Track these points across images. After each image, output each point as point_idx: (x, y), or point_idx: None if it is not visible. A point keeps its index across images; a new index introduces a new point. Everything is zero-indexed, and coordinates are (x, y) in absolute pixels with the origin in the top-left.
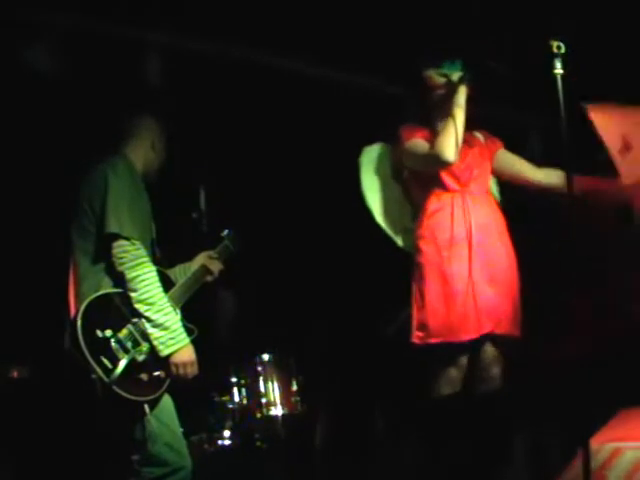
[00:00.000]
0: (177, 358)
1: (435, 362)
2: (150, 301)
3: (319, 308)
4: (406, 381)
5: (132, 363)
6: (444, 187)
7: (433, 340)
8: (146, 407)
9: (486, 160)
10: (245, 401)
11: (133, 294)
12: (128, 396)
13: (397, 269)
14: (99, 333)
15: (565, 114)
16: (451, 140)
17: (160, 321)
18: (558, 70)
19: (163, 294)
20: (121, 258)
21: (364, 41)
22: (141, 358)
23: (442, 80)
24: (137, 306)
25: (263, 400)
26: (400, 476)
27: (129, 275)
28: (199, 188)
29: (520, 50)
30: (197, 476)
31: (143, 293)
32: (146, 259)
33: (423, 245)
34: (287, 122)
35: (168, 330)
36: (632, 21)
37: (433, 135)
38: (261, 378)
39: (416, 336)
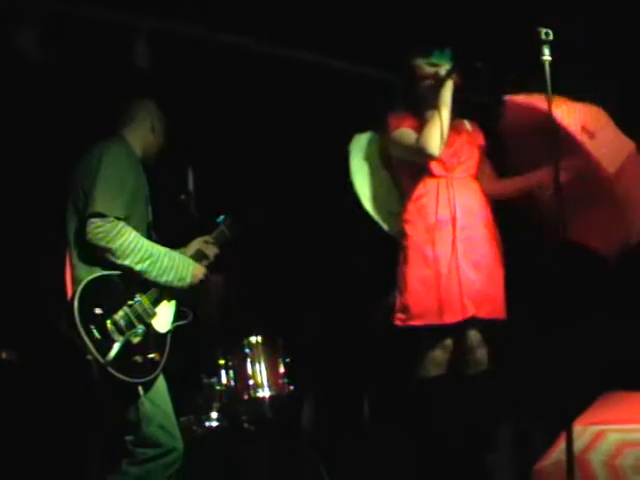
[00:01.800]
0: (196, 278)
1: (421, 344)
2: (146, 255)
3: (308, 290)
4: (393, 363)
5: (127, 345)
6: (430, 173)
7: (414, 322)
8: (140, 389)
9: (473, 147)
10: (232, 383)
11: (128, 259)
12: (123, 377)
13: (386, 254)
14: (95, 315)
15: (553, 100)
16: (435, 134)
17: (165, 265)
18: (546, 57)
19: (151, 243)
20: (97, 234)
21: (355, 28)
22: (136, 340)
23: (431, 70)
24: (138, 267)
25: (250, 382)
26: (388, 458)
27: (114, 245)
28: (187, 170)
29: (508, 37)
30: (185, 457)
31: (138, 252)
32: (128, 227)
33: (408, 229)
34: (277, 107)
35: (174, 268)
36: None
37: (420, 124)
38: (248, 360)
39: (398, 318)
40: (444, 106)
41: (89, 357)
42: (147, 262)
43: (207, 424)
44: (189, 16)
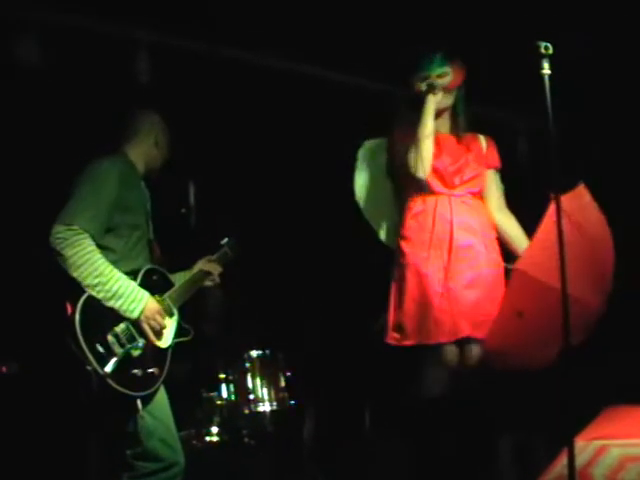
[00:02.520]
0: (145, 314)
1: (420, 363)
2: (97, 273)
3: (309, 305)
4: (394, 378)
5: (127, 358)
6: (431, 189)
7: (407, 342)
8: (139, 403)
9: (481, 166)
10: (233, 397)
11: (78, 271)
12: (122, 390)
13: (387, 267)
14: (96, 327)
15: (552, 115)
16: (418, 156)
17: (114, 290)
18: (546, 71)
19: (108, 263)
20: (55, 239)
21: (357, 40)
22: (136, 353)
23: (422, 84)
24: (86, 282)
25: (251, 396)
26: (389, 472)
27: (68, 253)
28: (188, 183)
29: (508, 51)
30: (185, 471)
31: (89, 266)
32: (89, 241)
33: (404, 246)
34: (279, 120)
35: (123, 296)
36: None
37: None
38: (249, 374)
39: (391, 337)
40: (423, 125)
41: (89, 368)
42: (95, 280)
43: (207, 438)
44: (190, 30)
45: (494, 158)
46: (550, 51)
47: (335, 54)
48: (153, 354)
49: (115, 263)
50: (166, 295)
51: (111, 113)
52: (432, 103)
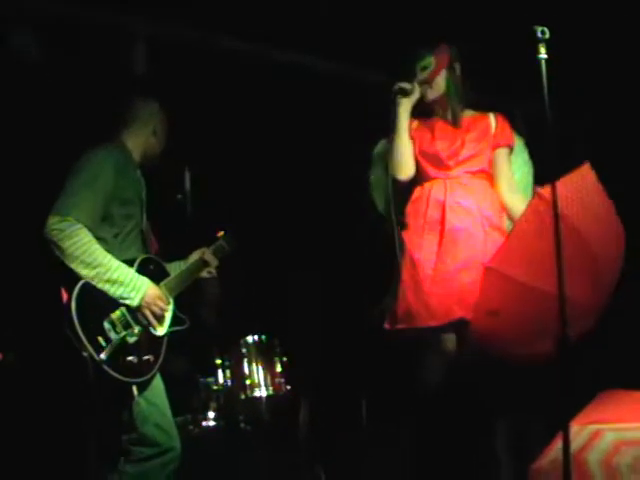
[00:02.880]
0: (146, 301)
1: (416, 347)
2: (95, 263)
3: (306, 290)
4: (391, 363)
5: (123, 344)
6: (427, 175)
7: (399, 326)
8: (134, 389)
9: (482, 143)
10: (229, 383)
11: (76, 262)
12: (117, 376)
13: (386, 255)
14: (92, 313)
15: (549, 99)
16: (395, 159)
17: (113, 278)
18: (542, 55)
19: (106, 252)
20: (51, 231)
21: (359, 31)
22: (132, 340)
23: (421, 75)
24: (85, 272)
25: (247, 382)
26: (385, 457)
27: (65, 244)
28: (184, 170)
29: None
30: (182, 457)
31: (87, 257)
32: (85, 231)
33: (404, 233)
34: (276, 108)
35: (124, 284)
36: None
37: (423, 127)
38: (245, 360)
39: (387, 322)
40: (395, 127)
41: (85, 354)
42: (94, 271)
43: (204, 424)
44: (188, 19)
45: (505, 137)
46: (547, 35)
47: (335, 45)
48: (149, 341)
49: (109, 252)
50: (162, 284)
51: (109, 101)
52: (402, 106)
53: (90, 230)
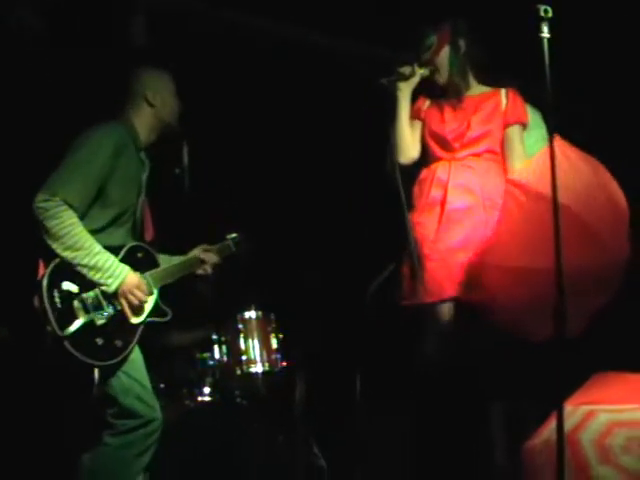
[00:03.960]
0: (123, 289)
1: (417, 323)
2: (77, 246)
3: (302, 266)
4: (387, 340)
5: (90, 325)
6: (434, 156)
7: (403, 303)
8: (96, 372)
9: (491, 123)
10: (225, 358)
11: (57, 243)
12: (77, 354)
13: (383, 228)
14: (63, 290)
15: (551, 78)
16: (398, 143)
17: (92, 263)
18: (545, 34)
19: (89, 236)
20: (38, 209)
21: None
22: (100, 322)
23: (425, 55)
24: (65, 254)
25: (243, 357)
26: (380, 434)
27: (48, 224)
28: (182, 144)
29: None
30: (177, 431)
31: (68, 239)
32: (70, 213)
33: (411, 214)
34: (276, 86)
35: (102, 270)
36: None
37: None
38: (241, 335)
39: (398, 298)
40: (395, 115)
41: (48, 329)
42: (74, 253)
43: (200, 399)
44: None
45: (516, 113)
46: (549, 14)
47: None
48: (121, 327)
49: (97, 233)
50: (147, 273)
51: (111, 76)
52: (401, 91)
53: (77, 210)
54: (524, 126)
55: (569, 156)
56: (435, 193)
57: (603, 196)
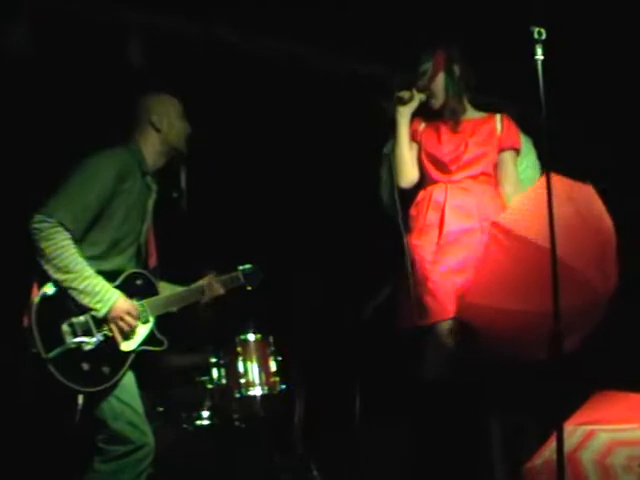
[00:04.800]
0: (112, 315)
1: (413, 345)
2: (68, 269)
3: (300, 287)
4: (385, 360)
5: (77, 350)
6: (430, 179)
7: (401, 325)
8: (80, 398)
9: (487, 146)
10: (224, 381)
11: (48, 265)
12: (61, 378)
13: (379, 250)
14: (54, 313)
15: (545, 100)
16: (396, 168)
17: (82, 287)
18: (539, 56)
19: (81, 259)
20: (32, 229)
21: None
22: (88, 348)
23: (421, 81)
24: (56, 276)
25: (242, 380)
26: (379, 455)
27: (41, 245)
28: (180, 167)
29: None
30: (176, 455)
31: (60, 261)
32: (64, 235)
33: (408, 236)
34: (273, 105)
35: (92, 294)
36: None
37: (427, 127)
38: (240, 358)
39: (400, 321)
40: (395, 140)
41: (34, 351)
42: (65, 276)
43: (198, 422)
44: (187, 12)
45: (510, 139)
46: (543, 36)
47: (335, 39)
48: (110, 354)
49: (95, 258)
50: (144, 301)
51: (117, 101)
52: (401, 115)
53: (73, 233)
54: (517, 152)
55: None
56: (432, 215)
57: (588, 229)
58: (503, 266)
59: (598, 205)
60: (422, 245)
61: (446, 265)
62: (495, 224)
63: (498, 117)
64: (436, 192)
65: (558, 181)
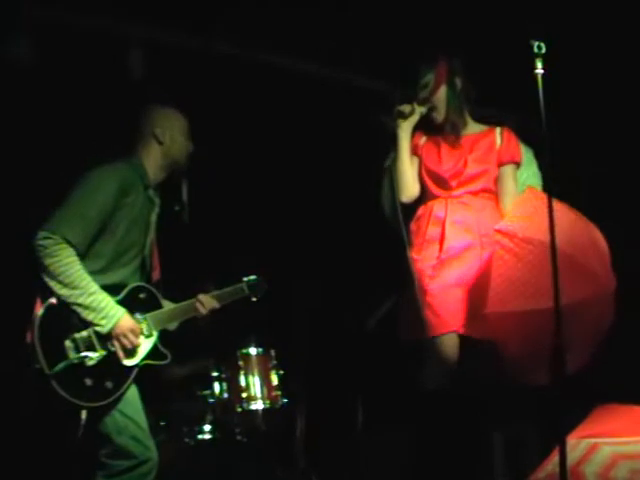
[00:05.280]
0: (116, 331)
1: (417, 354)
2: (73, 285)
3: (301, 300)
4: (387, 372)
5: (80, 365)
6: (430, 194)
7: (405, 337)
8: (83, 414)
9: (486, 162)
10: (226, 395)
11: (53, 281)
12: (64, 394)
13: (381, 263)
14: (57, 328)
15: (545, 114)
16: (398, 182)
17: (87, 303)
18: (539, 70)
19: (86, 275)
20: (37, 247)
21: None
22: (91, 363)
23: (422, 94)
24: (61, 292)
25: (244, 394)
26: (381, 469)
27: (45, 262)
28: (181, 180)
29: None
30: (177, 470)
31: (65, 277)
32: (69, 252)
33: (410, 251)
34: (275, 116)
35: (96, 310)
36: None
37: (427, 141)
38: (242, 372)
39: (401, 333)
40: (397, 155)
41: (37, 366)
42: (70, 292)
43: (200, 436)
44: (187, 26)
45: (510, 153)
46: (543, 50)
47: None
48: (113, 369)
49: (99, 272)
50: (148, 315)
51: (125, 116)
52: (402, 129)
53: (77, 249)
54: (518, 165)
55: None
56: (432, 230)
57: (586, 233)
58: (515, 269)
59: (584, 221)
60: (422, 259)
61: (446, 279)
62: (499, 231)
63: (498, 130)
64: (436, 207)
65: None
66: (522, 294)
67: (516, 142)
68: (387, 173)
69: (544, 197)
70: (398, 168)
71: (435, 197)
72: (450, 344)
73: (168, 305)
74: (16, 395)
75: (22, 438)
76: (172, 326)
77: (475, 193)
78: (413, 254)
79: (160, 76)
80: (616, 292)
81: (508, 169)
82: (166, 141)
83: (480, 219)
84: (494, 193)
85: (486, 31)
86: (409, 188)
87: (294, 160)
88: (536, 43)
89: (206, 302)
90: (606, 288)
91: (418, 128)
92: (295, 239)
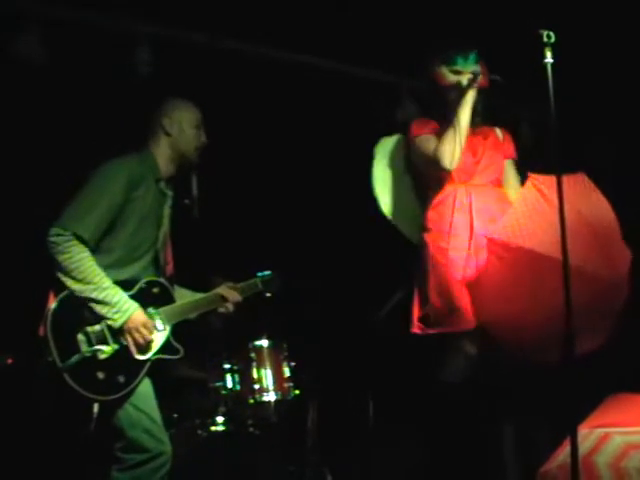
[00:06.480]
0: (128, 326)
1: (437, 349)
2: (86, 280)
3: (312, 292)
4: (398, 365)
5: (92, 359)
6: (450, 179)
7: (431, 331)
8: (95, 407)
9: (498, 154)
10: (238, 387)
11: (66, 277)
12: (76, 387)
13: (391, 255)
14: (70, 322)
15: (555, 103)
16: (450, 148)
17: (100, 297)
18: (548, 60)
19: (99, 270)
20: (49, 243)
21: (366, 32)
22: (103, 356)
23: (454, 78)
24: (74, 287)
25: (256, 386)
26: (393, 461)
27: (59, 258)
28: (191, 174)
29: (511, 39)
30: (190, 462)
31: (78, 273)
32: (81, 247)
33: (427, 237)
34: (285, 111)
35: (110, 304)
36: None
37: (443, 130)
38: (254, 364)
39: (417, 327)
40: (463, 117)
41: (49, 359)
42: (84, 287)
43: (212, 428)
44: (194, 22)
45: (510, 149)
46: (552, 40)
47: (338, 45)
48: (125, 362)
49: (111, 267)
50: (162, 309)
51: (134, 111)
52: (472, 97)
53: (89, 244)
54: (515, 162)
55: (546, 197)
56: (460, 218)
57: (584, 219)
58: (504, 274)
59: (593, 191)
60: (452, 248)
61: (479, 269)
62: (491, 240)
63: (497, 128)
64: (459, 194)
65: (546, 181)
66: (517, 304)
67: (512, 139)
68: (380, 155)
69: (547, 181)
70: (460, 134)
71: (454, 183)
72: (477, 335)
73: (187, 296)
74: (29, 388)
75: (35, 432)
76: (192, 315)
77: (492, 182)
78: (437, 242)
79: (167, 71)
80: (630, 270)
81: (510, 163)
82: (174, 132)
83: (501, 207)
84: (502, 184)
85: (495, 21)
86: (459, 156)
87: (304, 155)
88: (545, 32)
89: (230, 295)
90: (607, 282)
91: (433, 116)
92: (307, 232)
